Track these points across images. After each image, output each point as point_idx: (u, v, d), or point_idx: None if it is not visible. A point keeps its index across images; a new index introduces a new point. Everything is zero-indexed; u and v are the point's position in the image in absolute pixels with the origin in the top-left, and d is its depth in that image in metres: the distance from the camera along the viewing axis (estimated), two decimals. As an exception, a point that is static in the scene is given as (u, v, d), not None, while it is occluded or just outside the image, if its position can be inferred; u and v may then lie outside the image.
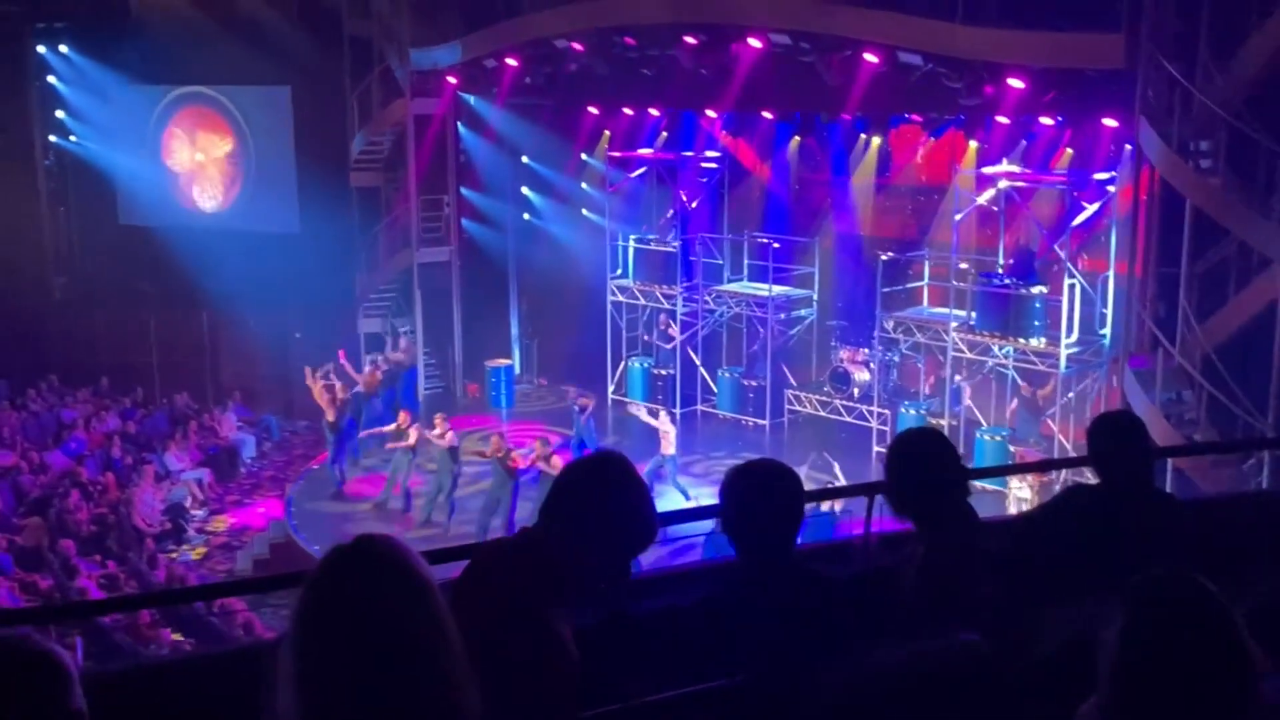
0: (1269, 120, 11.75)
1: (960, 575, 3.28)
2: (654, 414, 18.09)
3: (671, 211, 21.32)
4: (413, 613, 1.87)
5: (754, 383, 20.42)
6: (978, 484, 7.29)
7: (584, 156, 22.85)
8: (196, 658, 5.66)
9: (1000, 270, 17.17)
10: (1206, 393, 12.18)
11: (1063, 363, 16.10)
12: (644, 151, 21.53)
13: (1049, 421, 16.60)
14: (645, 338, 21.76)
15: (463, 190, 23.64)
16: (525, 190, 23.68)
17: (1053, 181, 16.87)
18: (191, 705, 3.35)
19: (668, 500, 15.74)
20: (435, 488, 17.13)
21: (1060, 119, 16.68)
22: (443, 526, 16.74)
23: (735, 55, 17.73)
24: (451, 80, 22.30)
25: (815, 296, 20.52)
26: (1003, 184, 16.96)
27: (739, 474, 3.17)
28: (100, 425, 21.31)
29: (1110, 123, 15.48)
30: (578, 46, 19.31)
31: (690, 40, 17.86)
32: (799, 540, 3.18)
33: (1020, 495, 15.31)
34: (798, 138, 21.04)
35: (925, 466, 3.43)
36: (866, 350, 19.31)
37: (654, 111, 21.34)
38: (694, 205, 21.17)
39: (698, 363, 21.17)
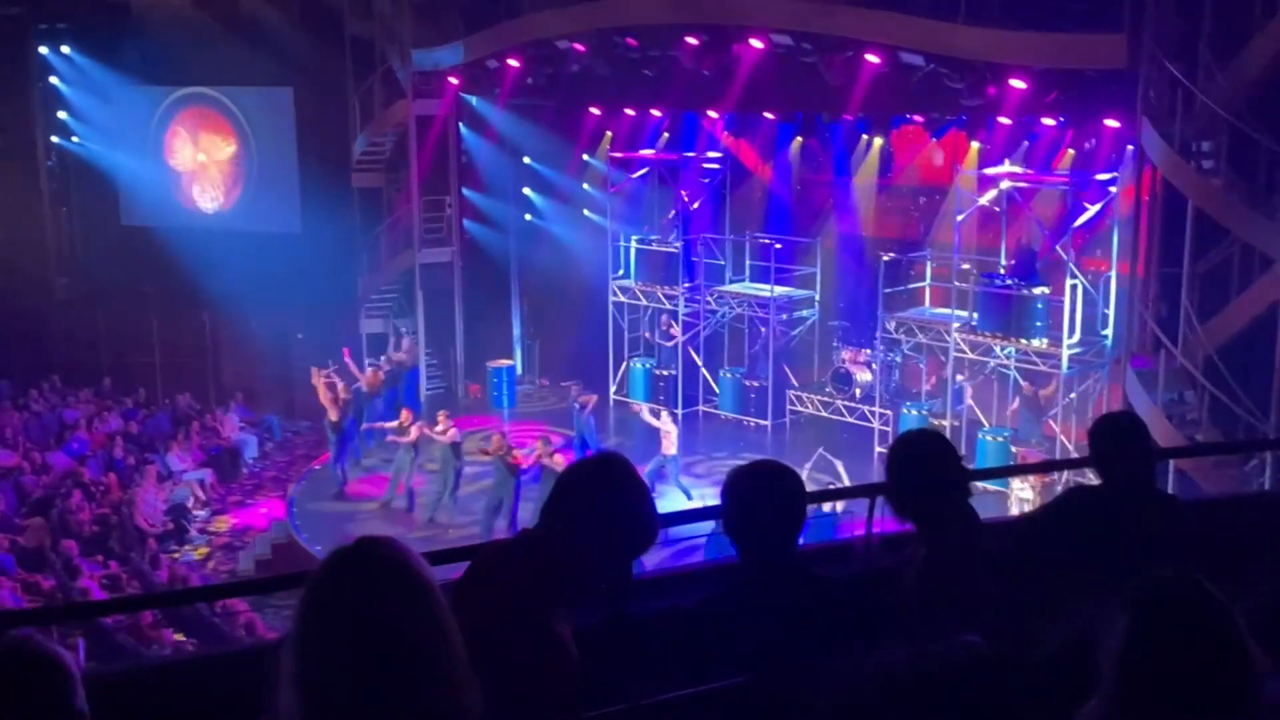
0: (1271, 121, 11.73)
1: (961, 577, 3.28)
2: (655, 414, 18.10)
3: (673, 212, 21.32)
4: (414, 614, 1.88)
5: (756, 383, 20.41)
6: (979, 485, 7.28)
7: (586, 157, 22.85)
8: (198, 659, 5.65)
9: (1002, 271, 17.15)
10: (1208, 393, 12.17)
11: (1064, 363, 16.09)
12: (646, 152, 21.53)
13: (1051, 422, 16.59)
14: (646, 335, 21.77)
15: (464, 191, 23.64)
16: (527, 191, 23.68)
17: (1054, 182, 16.87)
18: (193, 706, 3.35)
19: (669, 500, 15.74)
20: (440, 485, 17.12)
21: (1062, 119, 16.68)
22: (446, 526, 16.74)
23: (737, 56, 17.72)
24: (453, 81, 22.30)
25: (817, 297, 20.51)
26: (1005, 184, 16.95)
27: (740, 475, 3.17)
28: (102, 426, 21.33)
29: (1112, 123, 15.48)
30: (579, 47, 19.30)
31: (692, 41, 17.86)
32: (801, 541, 3.18)
33: (1022, 496, 15.29)
34: (799, 138, 21.04)
35: (925, 468, 3.43)
36: (868, 351, 19.30)
37: (656, 112, 21.34)
38: (696, 206, 21.16)
39: (699, 363, 21.16)
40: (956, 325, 17.05)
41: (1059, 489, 13.15)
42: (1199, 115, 12.35)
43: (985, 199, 17.28)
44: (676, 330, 20.90)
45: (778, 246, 19.88)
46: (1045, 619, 2.80)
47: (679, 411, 20.00)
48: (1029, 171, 17.12)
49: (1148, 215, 13.99)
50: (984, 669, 2.36)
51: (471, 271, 23.73)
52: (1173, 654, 1.87)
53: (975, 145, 17.98)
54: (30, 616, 5.28)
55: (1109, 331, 16.14)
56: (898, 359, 19.10)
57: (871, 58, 16.00)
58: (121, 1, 24.81)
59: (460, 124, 23.15)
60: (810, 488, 3.42)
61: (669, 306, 21.10)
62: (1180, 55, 12.67)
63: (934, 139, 19.23)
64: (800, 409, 19.95)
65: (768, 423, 20.01)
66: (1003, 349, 16.77)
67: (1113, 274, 15.93)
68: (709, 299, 20.92)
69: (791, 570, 3.11)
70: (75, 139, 26.20)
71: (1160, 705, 1.87)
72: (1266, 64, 11.89)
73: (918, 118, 18.76)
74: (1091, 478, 4.03)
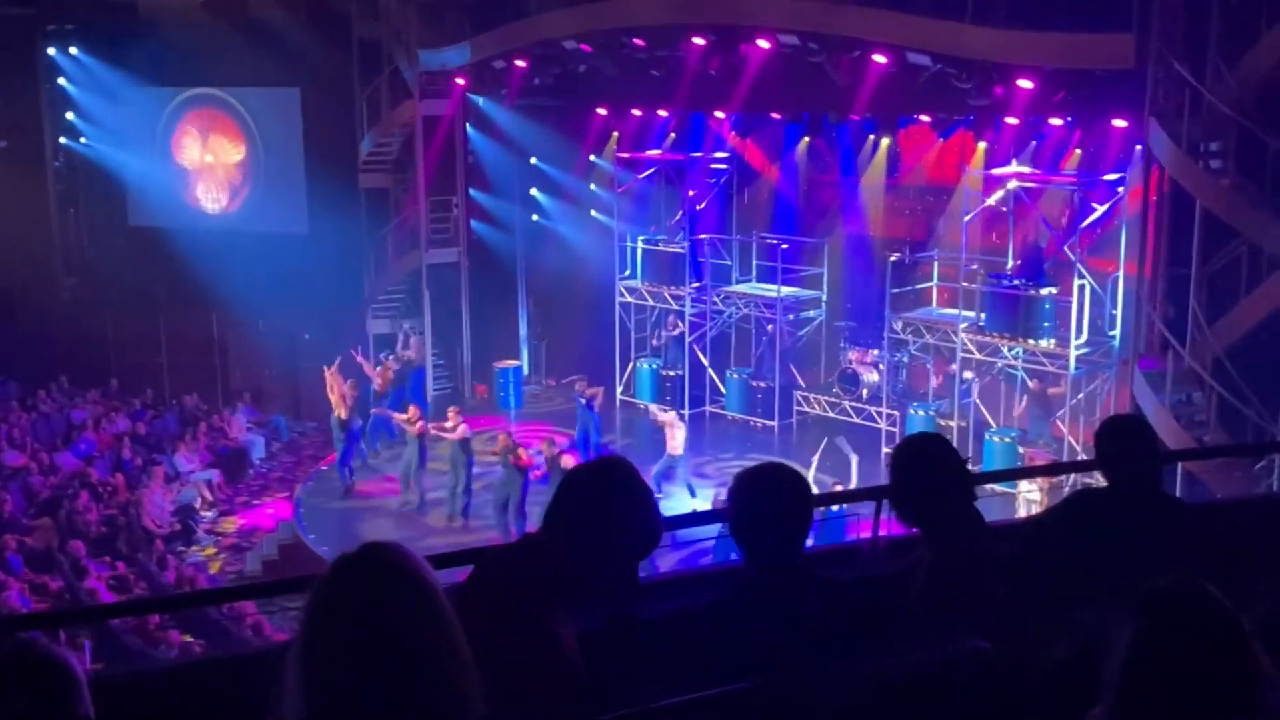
0: (1279, 121, 11.71)
1: (968, 580, 3.27)
2: (664, 411, 18.16)
3: (680, 212, 21.31)
4: (418, 618, 1.88)
5: (762, 384, 20.39)
6: (987, 486, 7.27)
7: (592, 157, 22.85)
8: (204, 662, 5.66)
9: (1009, 271, 17.13)
10: (1217, 394, 12.14)
11: (1072, 364, 16.06)
12: (652, 152, 21.53)
13: (1058, 423, 16.56)
14: (655, 343, 21.77)
15: (471, 191, 23.64)
16: (534, 191, 23.69)
17: (1062, 182, 16.84)
18: (199, 710, 3.35)
19: (677, 501, 15.73)
20: (452, 481, 17.10)
21: (1069, 119, 16.64)
22: (459, 526, 16.73)
23: (744, 56, 17.72)
24: (460, 81, 22.31)
25: (824, 297, 20.50)
26: (1012, 184, 16.93)
27: (747, 478, 3.15)
28: (110, 426, 21.36)
29: (1120, 123, 15.43)
30: (586, 48, 19.30)
31: (699, 41, 17.86)
32: (810, 543, 3.18)
33: (1030, 497, 15.26)
34: (806, 138, 21.02)
35: (929, 472, 3.42)
36: (875, 351, 19.28)
37: (662, 112, 21.32)
38: (702, 206, 21.15)
39: (706, 364, 21.16)
40: (964, 326, 17.03)
41: (1067, 490, 13.12)
42: (1207, 115, 12.33)
43: (993, 199, 17.26)
44: (683, 327, 20.91)
45: (784, 247, 19.86)
46: (1052, 623, 2.79)
47: (686, 412, 20.00)
48: (1036, 171, 17.09)
49: (1155, 215, 13.97)
50: (991, 673, 2.36)
51: (478, 272, 23.73)
52: (1178, 662, 1.86)
53: (982, 145, 17.94)
54: (37, 621, 5.30)
55: (1116, 332, 16.10)
56: (905, 359, 19.09)
57: (879, 58, 15.99)
58: (129, 3, 24.86)
59: (467, 124, 23.16)
60: (821, 479, 3.42)
61: (676, 307, 21.10)
62: (1188, 55, 12.65)
63: (941, 139, 19.20)
64: (807, 409, 19.94)
65: (774, 423, 19.99)
66: (1010, 349, 16.74)
67: (1120, 274, 15.89)
68: (716, 299, 20.91)
69: (798, 574, 3.10)
70: (83, 140, 26.27)
71: (1167, 712, 1.87)
72: (1274, 64, 11.87)
73: (925, 118, 18.73)
74: (1099, 480, 4.02)
